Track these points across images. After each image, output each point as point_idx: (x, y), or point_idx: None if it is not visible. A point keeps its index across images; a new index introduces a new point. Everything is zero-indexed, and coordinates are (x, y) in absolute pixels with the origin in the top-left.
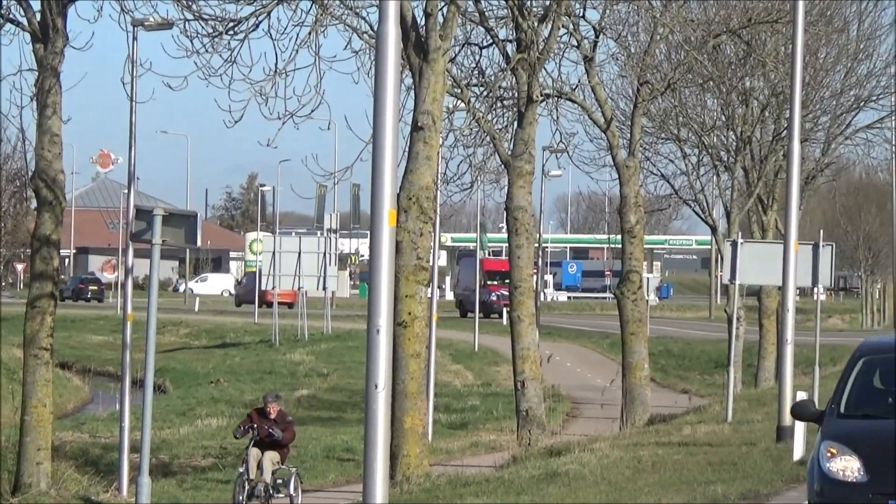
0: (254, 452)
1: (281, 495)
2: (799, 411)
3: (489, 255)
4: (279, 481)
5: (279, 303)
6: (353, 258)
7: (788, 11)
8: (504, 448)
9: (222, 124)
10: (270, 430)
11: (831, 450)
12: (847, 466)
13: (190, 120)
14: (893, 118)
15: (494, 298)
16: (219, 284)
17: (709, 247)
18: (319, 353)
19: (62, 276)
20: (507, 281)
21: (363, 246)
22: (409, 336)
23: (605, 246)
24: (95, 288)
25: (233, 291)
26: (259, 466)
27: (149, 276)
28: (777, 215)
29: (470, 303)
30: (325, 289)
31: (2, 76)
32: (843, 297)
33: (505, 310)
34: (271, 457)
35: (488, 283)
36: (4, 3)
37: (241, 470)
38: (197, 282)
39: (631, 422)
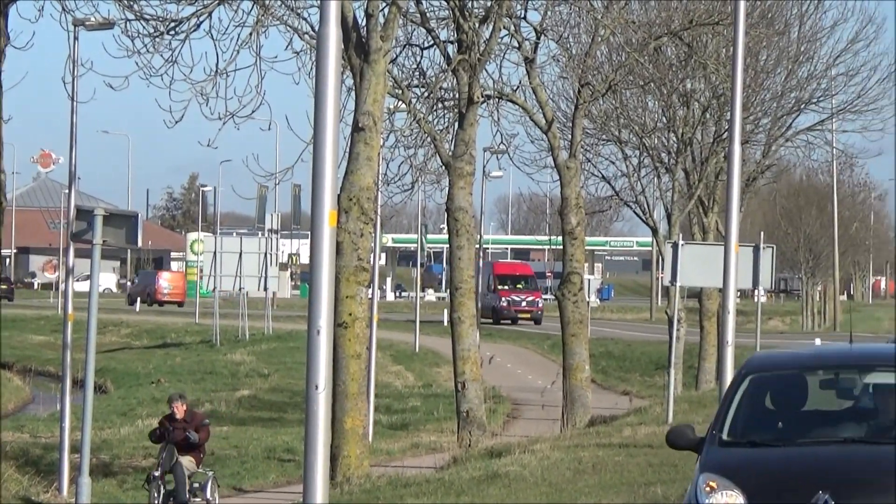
0: (168, 455)
1: (198, 500)
2: (674, 439)
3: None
4: (196, 485)
5: (167, 301)
6: (293, 259)
7: (729, 13)
8: (444, 449)
9: (163, 124)
10: (187, 434)
11: (711, 483)
12: (729, 503)
13: (131, 120)
14: (834, 121)
15: (505, 304)
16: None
17: (650, 248)
18: (260, 353)
19: (3, 275)
20: (519, 286)
21: (304, 247)
22: (350, 337)
23: (546, 247)
24: (5, 287)
25: (114, 290)
26: (174, 471)
27: (90, 275)
28: (718, 217)
29: (484, 307)
30: (266, 289)
31: None
32: (783, 299)
33: (519, 315)
34: (186, 464)
35: (499, 287)
36: None
37: (155, 474)
38: (78, 280)
39: (571, 423)
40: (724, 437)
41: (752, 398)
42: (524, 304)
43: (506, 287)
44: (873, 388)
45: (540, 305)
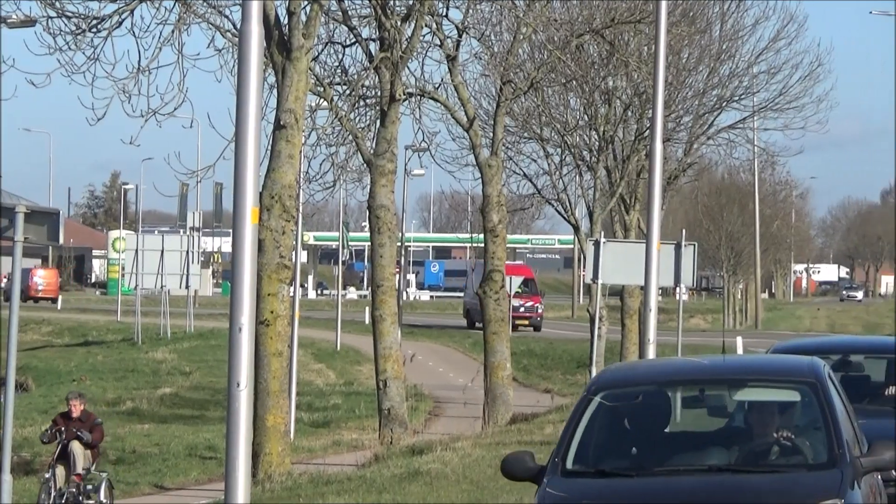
0: (61, 451)
1: (91, 502)
2: (510, 468)
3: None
4: (89, 487)
5: (41, 298)
6: (215, 256)
7: (651, 12)
8: (366, 447)
9: (85, 122)
10: (79, 433)
11: None
12: None
13: (53, 118)
14: (755, 119)
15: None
16: None
17: (571, 246)
18: (182, 351)
19: None
20: (518, 289)
21: (226, 244)
22: (272, 334)
23: (468, 245)
24: None
25: None
26: (69, 468)
27: (12, 273)
28: (639, 215)
29: (477, 312)
30: (187, 287)
31: None
32: (705, 297)
33: (515, 321)
34: (78, 452)
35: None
36: None
37: (46, 476)
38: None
39: (493, 421)
40: (569, 465)
41: (604, 419)
42: (522, 309)
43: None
44: (748, 407)
45: (540, 311)
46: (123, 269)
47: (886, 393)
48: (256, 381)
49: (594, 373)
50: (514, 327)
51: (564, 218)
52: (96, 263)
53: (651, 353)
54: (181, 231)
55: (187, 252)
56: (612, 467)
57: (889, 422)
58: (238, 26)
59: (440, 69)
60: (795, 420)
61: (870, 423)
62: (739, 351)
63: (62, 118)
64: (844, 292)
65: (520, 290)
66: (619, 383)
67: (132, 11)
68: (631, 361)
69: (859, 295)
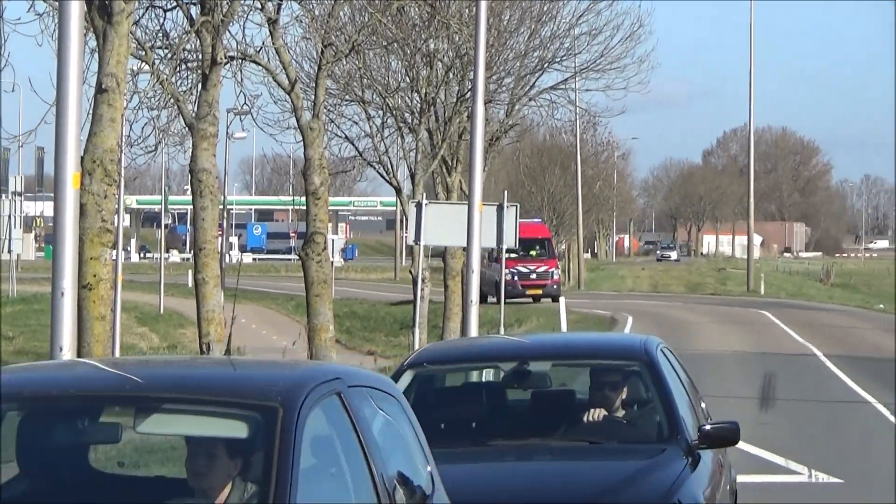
0: None
1: None
2: None
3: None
4: None
5: None
6: (37, 221)
7: None
8: None
9: None
10: None
11: None
12: None
13: None
14: (577, 80)
15: (512, 277)
16: None
17: (394, 208)
18: (4, 316)
19: None
20: (532, 252)
21: (48, 209)
22: (94, 298)
23: (290, 208)
24: None
25: None
26: None
27: None
28: (461, 176)
29: (484, 283)
30: (10, 252)
31: None
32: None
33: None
34: None
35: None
36: None
37: None
38: None
39: None
40: None
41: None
42: (534, 276)
43: (514, 255)
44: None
45: (556, 277)
46: None
47: (588, 419)
48: (79, 345)
49: (417, 335)
50: (531, 298)
51: (386, 180)
52: None
53: (474, 314)
54: (3, 196)
55: (9, 216)
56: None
57: (572, 468)
58: None
59: (261, 32)
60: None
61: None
62: (562, 311)
63: None
64: (660, 252)
65: (533, 254)
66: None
67: None
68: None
69: (674, 255)
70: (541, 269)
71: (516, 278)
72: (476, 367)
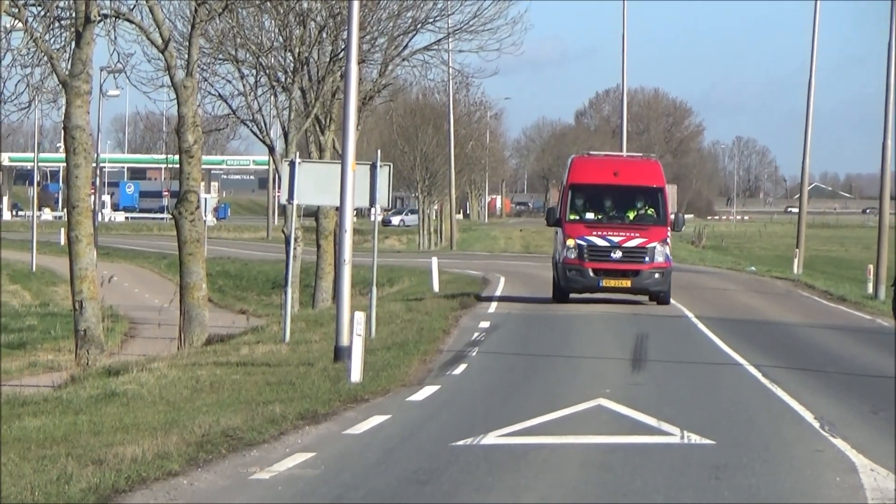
0: None
1: None
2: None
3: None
4: None
5: None
6: None
7: None
8: (63, 368)
9: None
10: None
11: None
12: None
13: None
14: (450, 40)
15: (573, 255)
16: None
17: (266, 167)
18: None
19: None
20: (630, 214)
21: None
22: None
23: (163, 166)
24: None
25: None
26: None
27: None
28: (335, 135)
29: (565, 279)
30: None
31: None
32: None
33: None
34: None
35: (577, 218)
36: None
37: None
38: None
39: (189, 342)
40: None
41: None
42: (618, 253)
43: (597, 217)
44: None
45: (664, 259)
46: None
47: None
48: None
49: (289, 294)
50: (613, 293)
51: (259, 138)
52: None
53: (346, 273)
54: None
55: None
56: None
57: None
58: None
59: None
60: None
61: None
62: (434, 272)
63: None
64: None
65: (631, 216)
66: None
67: None
68: None
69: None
70: (633, 243)
71: (585, 257)
72: None
